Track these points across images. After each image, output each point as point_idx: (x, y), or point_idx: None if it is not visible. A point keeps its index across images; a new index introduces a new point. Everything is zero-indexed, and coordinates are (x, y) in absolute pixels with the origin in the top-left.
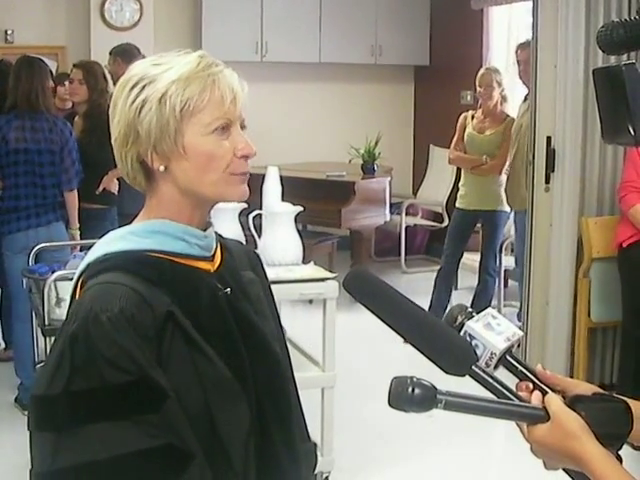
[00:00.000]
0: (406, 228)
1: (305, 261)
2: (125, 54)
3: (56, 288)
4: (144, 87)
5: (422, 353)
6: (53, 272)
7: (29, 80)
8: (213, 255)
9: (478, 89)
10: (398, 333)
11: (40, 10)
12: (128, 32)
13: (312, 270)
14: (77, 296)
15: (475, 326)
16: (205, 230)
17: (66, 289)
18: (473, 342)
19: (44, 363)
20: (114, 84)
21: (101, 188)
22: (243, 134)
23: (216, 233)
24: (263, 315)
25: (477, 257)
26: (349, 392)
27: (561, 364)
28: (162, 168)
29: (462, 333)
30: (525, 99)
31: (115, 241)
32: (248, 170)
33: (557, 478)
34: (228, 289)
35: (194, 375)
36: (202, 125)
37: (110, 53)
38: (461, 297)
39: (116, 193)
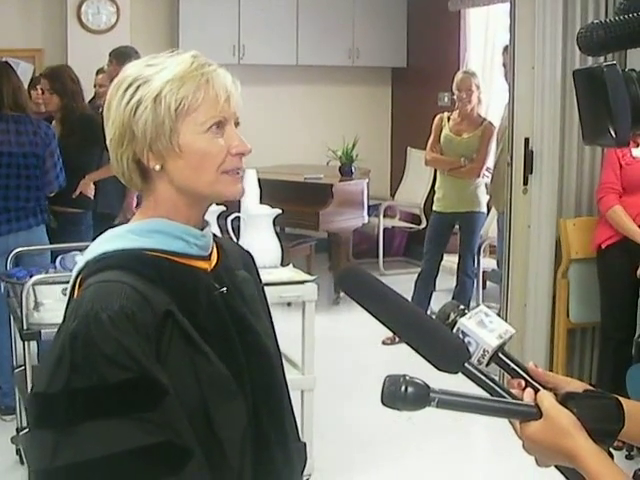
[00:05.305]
0: (384, 230)
1: (283, 264)
2: (120, 56)
3: (34, 292)
4: (138, 87)
5: (415, 350)
6: (31, 276)
7: (11, 82)
8: (210, 254)
9: (457, 93)
10: (391, 330)
11: (16, 13)
12: (105, 35)
13: (291, 273)
14: (75, 294)
15: (468, 323)
16: (202, 229)
17: (45, 293)
18: (466, 339)
19: (43, 361)
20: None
21: (78, 192)
22: (237, 132)
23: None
24: (257, 314)
25: (455, 259)
26: (329, 394)
27: (540, 365)
28: (158, 167)
29: (455, 330)
30: None
31: (113, 240)
32: (242, 167)
33: (534, 478)
34: (224, 288)
35: (192, 373)
36: (197, 124)
37: (109, 55)
38: (439, 299)
39: (92, 197)
